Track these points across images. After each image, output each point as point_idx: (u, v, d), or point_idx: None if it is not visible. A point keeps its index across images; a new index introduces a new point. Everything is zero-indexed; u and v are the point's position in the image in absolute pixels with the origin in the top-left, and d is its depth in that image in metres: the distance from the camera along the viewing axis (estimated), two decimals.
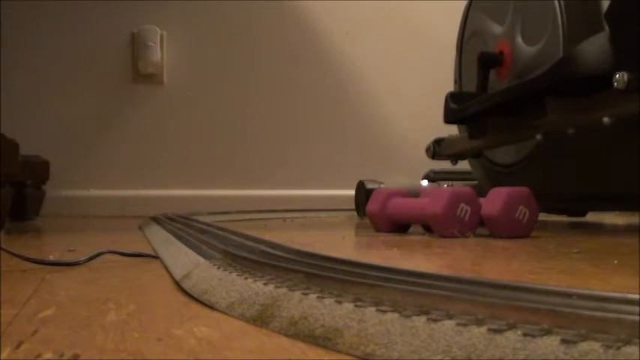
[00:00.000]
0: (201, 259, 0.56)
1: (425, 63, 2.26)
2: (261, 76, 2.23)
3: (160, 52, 2.16)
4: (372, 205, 1.10)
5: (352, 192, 1.71)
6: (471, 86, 1.37)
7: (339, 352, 0.31)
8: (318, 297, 0.37)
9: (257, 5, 2.22)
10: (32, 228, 1.46)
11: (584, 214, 1.61)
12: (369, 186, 1.60)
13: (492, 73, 1.27)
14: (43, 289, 0.52)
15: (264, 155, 2.16)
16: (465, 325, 0.29)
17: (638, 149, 1.03)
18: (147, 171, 2.15)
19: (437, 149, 1.45)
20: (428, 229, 1.05)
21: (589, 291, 0.31)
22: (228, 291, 0.44)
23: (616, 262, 0.65)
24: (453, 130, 1.46)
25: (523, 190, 0.96)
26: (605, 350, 0.24)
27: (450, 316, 0.30)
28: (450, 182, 1.52)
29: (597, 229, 1.35)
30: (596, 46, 0.91)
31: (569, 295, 0.30)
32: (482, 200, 0.97)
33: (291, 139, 2.23)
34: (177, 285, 0.52)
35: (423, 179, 1.62)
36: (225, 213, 1.76)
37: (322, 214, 1.91)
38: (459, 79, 1.51)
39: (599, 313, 0.26)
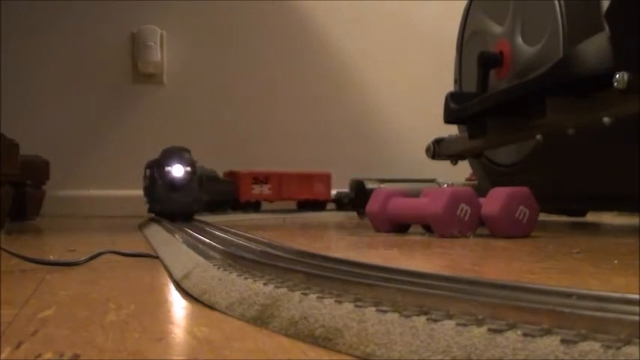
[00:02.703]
0: (201, 259, 0.56)
1: (425, 63, 2.26)
2: (261, 76, 2.23)
3: (160, 52, 2.16)
4: (372, 205, 1.10)
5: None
6: (471, 86, 1.36)
7: (339, 352, 0.31)
8: (318, 297, 0.37)
9: (257, 5, 2.22)
10: (32, 228, 1.46)
11: (584, 214, 1.61)
12: (369, 186, 1.59)
13: (492, 73, 1.27)
14: (43, 289, 0.52)
15: (264, 155, 2.16)
16: (465, 325, 0.29)
17: (638, 149, 1.03)
18: None
19: (437, 149, 1.45)
20: (428, 229, 1.05)
21: (589, 291, 0.30)
22: (228, 291, 0.44)
23: (616, 262, 0.65)
24: (453, 130, 1.46)
25: (523, 190, 0.96)
26: (605, 350, 0.24)
27: (450, 316, 0.30)
28: (450, 182, 1.52)
29: (597, 229, 1.35)
30: (596, 46, 0.91)
31: (569, 295, 0.30)
32: (482, 200, 0.97)
33: (292, 138, 2.23)
34: (178, 285, 0.52)
35: None
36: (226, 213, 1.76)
37: (322, 214, 1.91)
38: (459, 79, 1.51)
39: (599, 313, 0.26)
